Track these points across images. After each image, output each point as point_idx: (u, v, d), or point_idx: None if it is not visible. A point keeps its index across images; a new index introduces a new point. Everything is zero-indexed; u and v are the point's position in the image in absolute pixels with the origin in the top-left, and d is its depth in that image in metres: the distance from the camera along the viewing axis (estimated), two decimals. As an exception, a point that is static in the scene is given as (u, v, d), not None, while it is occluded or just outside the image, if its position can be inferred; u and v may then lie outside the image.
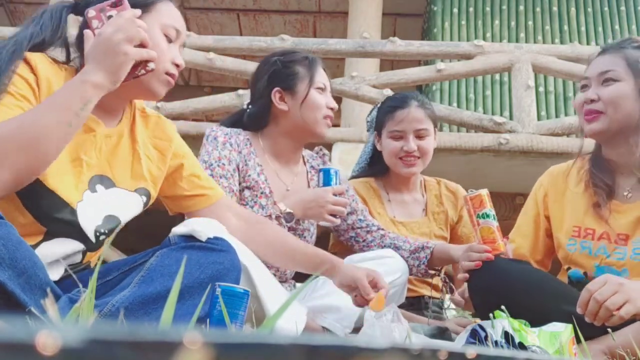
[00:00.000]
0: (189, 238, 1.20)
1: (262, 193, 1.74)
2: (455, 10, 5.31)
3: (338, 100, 4.29)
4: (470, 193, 1.56)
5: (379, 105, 2.24)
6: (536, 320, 1.33)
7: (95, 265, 1.37)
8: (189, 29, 5.57)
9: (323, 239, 2.03)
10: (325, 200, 1.69)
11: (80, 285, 1.08)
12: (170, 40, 1.29)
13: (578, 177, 1.68)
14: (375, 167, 2.20)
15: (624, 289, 1.27)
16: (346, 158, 3.48)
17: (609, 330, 1.35)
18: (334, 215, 1.71)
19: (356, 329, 2.12)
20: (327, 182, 1.74)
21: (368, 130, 2.32)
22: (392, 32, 6.31)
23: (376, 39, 4.55)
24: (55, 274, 1.21)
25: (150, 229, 1.75)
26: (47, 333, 0.25)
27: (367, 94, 3.62)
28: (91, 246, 1.28)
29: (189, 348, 0.27)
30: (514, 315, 1.33)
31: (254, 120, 1.83)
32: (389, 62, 5.17)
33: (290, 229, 1.77)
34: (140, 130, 1.38)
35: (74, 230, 1.24)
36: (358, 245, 1.92)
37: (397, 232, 2.06)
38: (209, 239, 1.20)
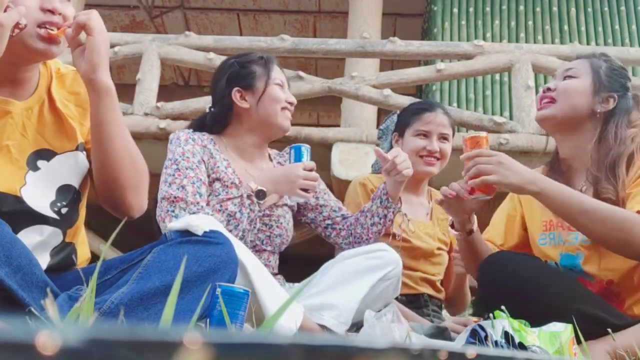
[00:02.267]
0: (185, 233, 1.20)
1: (232, 183, 1.76)
2: (455, 10, 5.31)
3: (338, 100, 4.31)
4: (469, 134, 1.65)
5: (399, 112, 2.32)
6: (542, 316, 1.34)
7: (90, 264, 1.38)
8: (188, 29, 5.61)
9: (325, 241, 2.03)
10: (296, 174, 1.70)
11: (84, 278, 1.07)
12: None
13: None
14: None
15: (501, 166, 1.57)
16: (346, 158, 3.48)
17: (609, 330, 1.35)
18: (306, 191, 1.72)
19: (356, 328, 2.12)
20: (298, 159, 1.76)
21: (380, 138, 2.38)
22: (392, 32, 6.32)
23: (376, 39, 4.55)
24: (42, 263, 1.20)
25: (151, 228, 1.75)
26: (47, 333, 0.25)
27: (367, 94, 3.62)
28: (59, 223, 1.26)
29: (189, 348, 0.27)
30: (521, 310, 1.34)
31: (217, 120, 1.90)
32: (389, 62, 5.17)
33: (264, 215, 1.79)
34: (57, 90, 1.31)
35: (30, 216, 1.23)
36: (335, 231, 1.95)
37: (405, 226, 2.08)
38: (205, 232, 1.21)
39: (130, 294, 1.08)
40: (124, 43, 3.91)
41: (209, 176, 1.77)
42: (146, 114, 3.65)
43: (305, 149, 1.79)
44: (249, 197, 1.69)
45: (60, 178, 1.28)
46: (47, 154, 1.27)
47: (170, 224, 1.24)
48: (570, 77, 1.72)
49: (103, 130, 1.23)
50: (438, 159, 2.10)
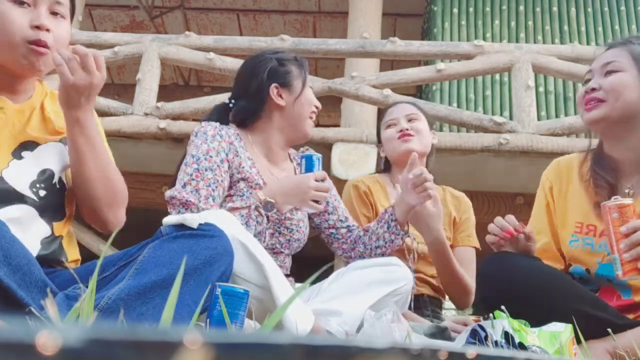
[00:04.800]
0: (180, 227, 1.21)
1: (256, 184, 1.74)
2: (455, 10, 5.31)
3: (338, 100, 4.31)
4: (615, 202, 1.46)
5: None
6: (542, 316, 1.33)
7: (89, 262, 1.39)
8: (188, 29, 5.60)
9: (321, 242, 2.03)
10: (307, 186, 1.67)
11: (78, 278, 1.07)
12: (22, 5, 1.23)
13: (581, 174, 1.68)
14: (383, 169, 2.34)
15: None
16: (346, 158, 3.48)
17: (609, 330, 1.35)
18: (317, 202, 1.70)
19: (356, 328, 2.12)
20: (309, 169, 1.73)
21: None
22: (392, 32, 6.31)
23: (376, 39, 4.55)
24: (32, 250, 1.23)
25: (150, 229, 1.75)
26: (47, 333, 0.25)
27: (367, 94, 3.62)
28: (38, 206, 1.31)
29: (189, 348, 0.27)
30: (521, 310, 1.34)
31: (245, 114, 1.86)
32: (389, 62, 5.17)
33: (286, 219, 1.78)
34: (50, 106, 1.41)
35: (9, 195, 1.27)
36: (337, 242, 1.94)
37: (414, 246, 2.08)
38: (200, 225, 1.21)
39: (128, 289, 1.08)
40: (124, 43, 3.91)
41: (232, 176, 1.74)
42: (146, 114, 3.65)
43: (317, 158, 1.76)
44: (256, 208, 1.65)
45: (42, 162, 1.34)
46: (31, 145, 1.34)
47: (165, 219, 1.25)
48: (612, 71, 1.58)
49: (74, 152, 1.33)
50: (412, 135, 2.14)
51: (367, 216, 2.12)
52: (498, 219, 1.56)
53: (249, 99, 1.86)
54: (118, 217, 1.41)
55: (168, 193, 1.66)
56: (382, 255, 1.89)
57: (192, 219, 1.21)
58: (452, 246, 2.18)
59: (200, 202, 1.62)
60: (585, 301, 1.46)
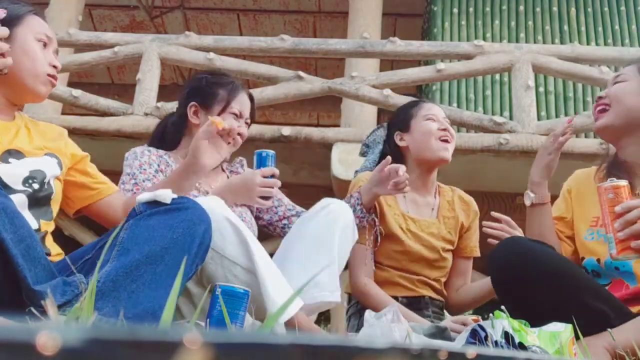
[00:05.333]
0: (154, 204, 1.23)
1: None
2: (455, 10, 5.31)
3: (338, 100, 4.31)
4: (609, 183, 1.51)
5: (395, 112, 2.36)
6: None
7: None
8: (189, 29, 5.60)
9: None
10: (253, 182, 1.70)
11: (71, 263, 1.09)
12: (44, 46, 1.51)
13: (597, 178, 1.76)
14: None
15: None
16: (346, 158, 3.48)
17: (609, 330, 1.35)
18: (265, 198, 1.71)
19: (356, 328, 2.11)
20: (259, 165, 1.76)
21: (365, 153, 2.30)
22: (392, 32, 6.31)
23: (376, 39, 4.55)
24: None
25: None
26: (47, 333, 0.25)
27: (367, 94, 3.62)
28: (29, 195, 1.39)
29: (189, 348, 0.27)
30: (528, 296, 1.36)
31: (173, 128, 1.95)
32: (389, 62, 5.17)
33: None
34: (33, 129, 1.57)
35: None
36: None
37: (406, 227, 2.07)
38: (173, 199, 1.24)
39: (115, 271, 1.11)
40: (124, 43, 3.91)
41: None
42: (146, 114, 3.65)
43: (267, 154, 1.78)
44: None
45: (32, 165, 1.44)
46: (17, 154, 1.44)
47: (139, 197, 1.27)
48: (619, 82, 1.72)
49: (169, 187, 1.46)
50: (451, 141, 2.11)
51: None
52: (492, 219, 1.62)
53: (177, 114, 1.98)
54: None
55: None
56: None
57: (165, 195, 1.23)
58: (454, 252, 2.17)
59: None
60: (592, 292, 1.48)
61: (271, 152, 1.80)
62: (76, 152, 1.63)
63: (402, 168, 1.85)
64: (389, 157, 1.90)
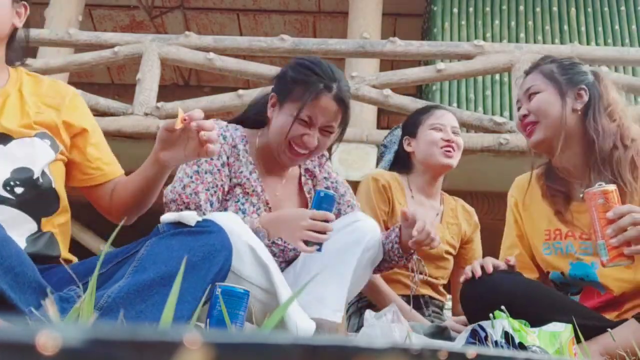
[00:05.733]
0: (178, 225, 1.21)
1: (253, 191, 1.67)
2: (455, 10, 5.31)
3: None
4: (597, 188, 1.45)
5: (407, 117, 2.37)
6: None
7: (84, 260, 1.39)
8: (188, 29, 5.61)
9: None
10: (299, 224, 1.49)
11: (75, 277, 1.07)
12: None
13: (538, 187, 1.78)
14: (399, 164, 2.25)
15: None
16: (346, 158, 3.48)
17: (609, 330, 1.35)
18: (309, 243, 1.50)
19: (356, 328, 2.11)
20: (314, 205, 1.54)
21: (382, 154, 2.38)
22: (392, 32, 6.31)
23: (376, 39, 4.55)
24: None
25: (151, 228, 1.75)
26: (47, 333, 0.25)
27: (367, 94, 3.62)
28: (16, 204, 1.28)
29: (189, 348, 0.27)
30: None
31: (255, 112, 1.79)
32: (389, 62, 5.17)
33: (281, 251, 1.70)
34: (29, 91, 1.39)
35: None
36: None
37: (420, 268, 2.09)
38: (197, 222, 1.22)
39: (127, 287, 1.09)
40: (124, 43, 3.91)
41: (230, 180, 1.67)
42: (146, 114, 3.65)
43: (326, 195, 1.56)
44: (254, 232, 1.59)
45: (17, 161, 1.31)
46: (3, 138, 1.31)
47: (163, 217, 1.24)
48: (532, 94, 1.70)
49: (144, 183, 1.41)
50: (455, 151, 2.14)
51: (385, 210, 2.08)
52: (493, 218, 1.60)
53: (262, 99, 1.79)
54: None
55: (168, 195, 1.62)
56: (380, 271, 1.84)
57: (190, 217, 1.21)
58: (459, 261, 2.20)
59: (200, 204, 1.59)
60: (570, 312, 1.44)
61: (331, 193, 1.57)
62: (74, 123, 1.42)
63: (419, 225, 1.64)
64: (406, 210, 1.71)
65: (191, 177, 1.61)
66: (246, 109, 1.88)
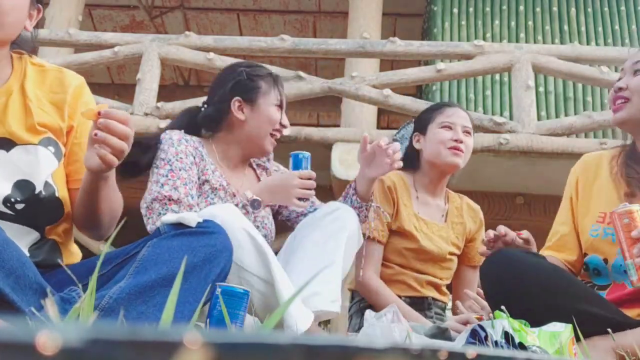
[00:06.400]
0: (179, 226, 1.21)
1: (220, 185, 1.77)
2: (455, 10, 5.30)
3: (338, 100, 4.31)
4: (623, 208, 1.45)
5: (419, 113, 2.33)
6: (542, 315, 1.33)
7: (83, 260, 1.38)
8: (188, 29, 5.60)
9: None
10: (291, 184, 1.70)
11: (75, 278, 1.07)
12: None
13: (609, 167, 1.69)
14: (407, 161, 2.20)
15: None
16: (346, 158, 3.48)
17: (609, 330, 1.35)
18: (302, 199, 1.72)
19: (357, 328, 2.11)
20: (295, 167, 1.76)
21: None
22: (392, 32, 6.31)
23: (376, 39, 4.55)
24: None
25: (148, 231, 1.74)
26: (47, 333, 0.25)
27: (367, 94, 3.62)
28: (17, 219, 1.24)
29: (189, 348, 0.27)
30: (522, 308, 1.34)
31: (209, 121, 1.90)
32: (389, 62, 5.17)
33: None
34: (32, 85, 1.32)
35: None
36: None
37: (419, 227, 2.08)
38: (198, 223, 1.22)
39: (128, 288, 1.08)
40: (124, 43, 3.91)
41: (199, 178, 1.77)
42: (146, 114, 3.65)
43: (303, 156, 1.78)
44: (244, 206, 1.68)
45: (19, 172, 1.25)
46: (6, 144, 1.25)
47: (164, 218, 1.25)
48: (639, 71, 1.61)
49: (89, 197, 1.28)
50: (463, 151, 2.08)
51: (389, 213, 2.06)
52: (489, 232, 1.59)
53: (214, 108, 1.89)
54: (110, 230, 1.38)
55: (147, 199, 1.66)
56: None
57: (190, 218, 1.22)
58: (461, 260, 2.19)
59: (181, 197, 1.64)
60: (586, 299, 1.46)
61: (307, 154, 1.79)
62: (74, 124, 1.35)
63: (384, 140, 1.80)
64: (366, 134, 1.89)
65: (167, 176, 1.69)
66: (173, 122, 2.02)
